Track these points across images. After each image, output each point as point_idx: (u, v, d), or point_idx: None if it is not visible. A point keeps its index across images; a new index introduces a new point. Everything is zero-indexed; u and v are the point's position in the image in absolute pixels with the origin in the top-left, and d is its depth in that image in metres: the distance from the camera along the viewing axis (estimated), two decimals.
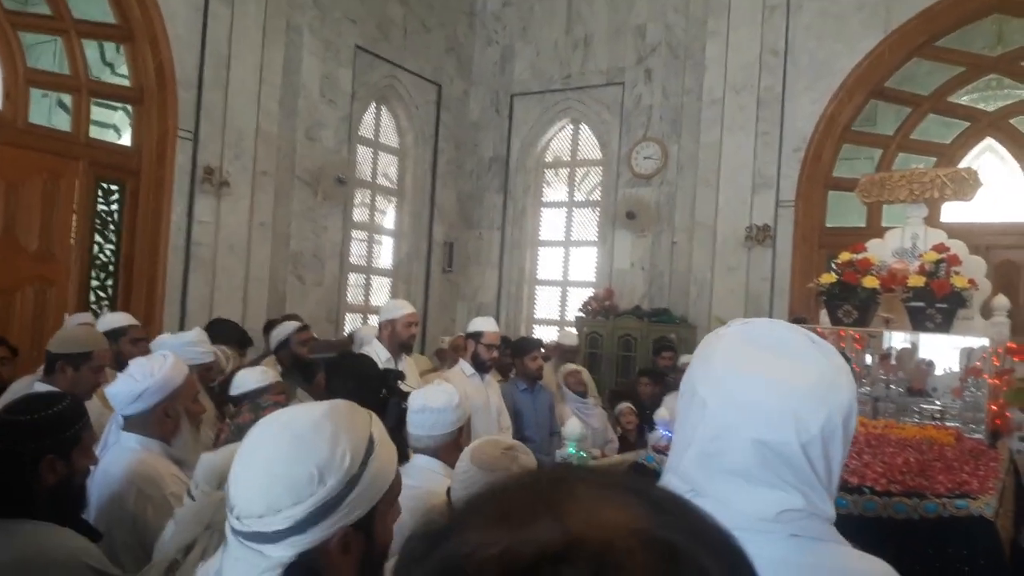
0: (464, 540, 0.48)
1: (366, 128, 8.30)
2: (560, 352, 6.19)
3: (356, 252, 8.23)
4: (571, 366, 5.79)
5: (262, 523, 1.11)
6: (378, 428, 1.25)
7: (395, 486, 1.24)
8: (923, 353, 3.99)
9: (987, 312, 4.06)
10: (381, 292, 8.63)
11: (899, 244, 4.24)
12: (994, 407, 3.55)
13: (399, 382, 3.15)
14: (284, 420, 1.20)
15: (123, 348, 3.80)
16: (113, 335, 3.89)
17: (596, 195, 8.95)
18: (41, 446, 1.85)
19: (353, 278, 8.21)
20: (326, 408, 1.22)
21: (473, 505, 0.53)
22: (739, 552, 0.51)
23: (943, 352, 3.91)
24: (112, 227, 6.14)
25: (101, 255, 6.09)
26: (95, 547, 1.89)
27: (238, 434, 1.99)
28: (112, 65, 7.10)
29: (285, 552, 1.11)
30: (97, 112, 6.42)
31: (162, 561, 1.70)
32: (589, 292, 8.43)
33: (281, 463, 1.13)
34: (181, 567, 1.60)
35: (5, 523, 1.72)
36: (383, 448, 1.22)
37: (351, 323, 7.99)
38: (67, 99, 6.21)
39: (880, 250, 4.28)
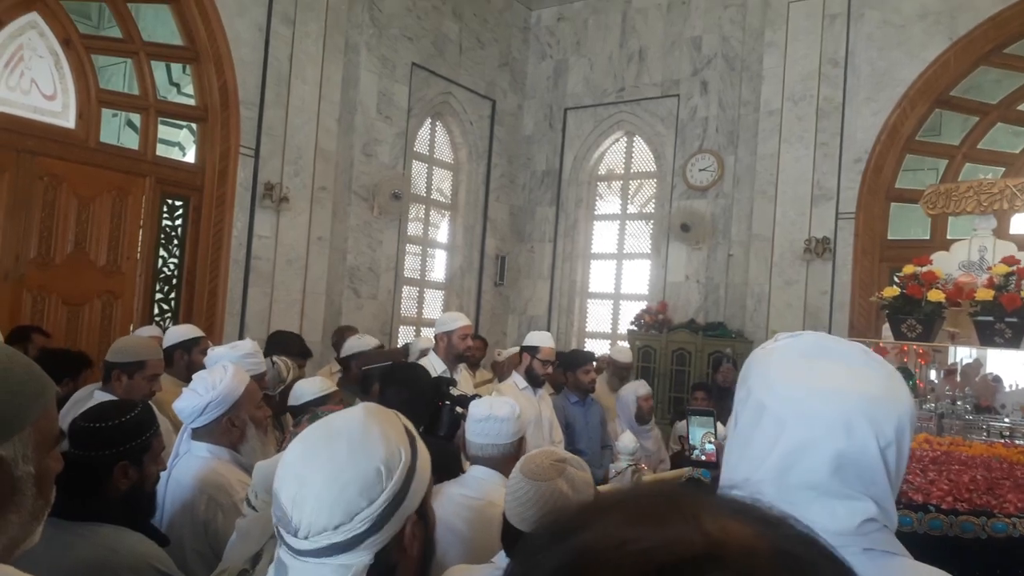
0: (601, 534, 0.49)
1: (421, 144, 8.41)
2: (614, 368, 6.14)
3: (410, 266, 8.34)
4: (643, 388, 5.52)
5: (339, 533, 1.10)
6: (407, 421, 1.29)
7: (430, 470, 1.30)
8: (991, 368, 3.86)
9: None
10: (434, 305, 8.71)
11: (966, 256, 4.12)
12: None
13: (451, 388, 3.18)
14: (329, 429, 1.21)
15: (195, 358, 3.91)
16: (186, 345, 4.02)
17: (650, 208, 8.90)
18: (116, 452, 1.92)
19: (407, 291, 8.31)
20: (363, 409, 1.25)
21: (603, 503, 0.54)
22: (851, 569, 0.52)
23: (1013, 367, 3.78)
24: (176, 242, 6.33)
25: (165, 269, 6.28)
26: (164, 552, 1.95)
27: None
28: (178, 85, 7.36)
29: (364, 556, 1.12)
30: (163, 130, 6.65)
31: (231, 570, 1.74)
32: (642, 305, 8.37)
33: (347, 469, 1.13)
34: None
35: (80, 526, 1.79)
36: (417, 435, 1.27)
37: (404, 335, 8.09)
38: (136, 118, 6.44)
39: (946, 263, 4.16)
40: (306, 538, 1.11)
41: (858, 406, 1.06)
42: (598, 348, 8.35)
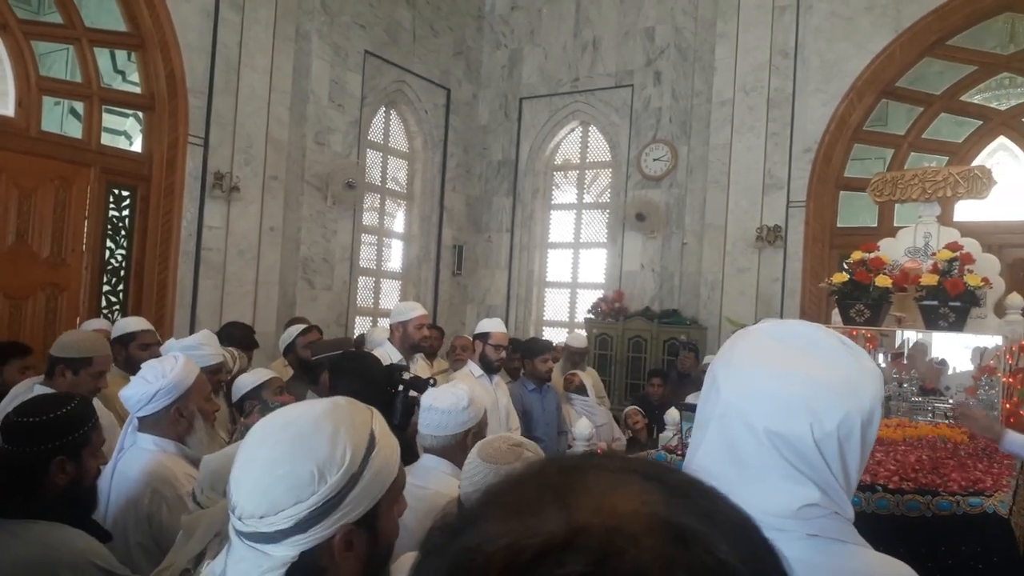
0: (476, 533, 0.48)
1: (375, 132, 8.32)
2: (568, 354, 6.17)
3: (366, 256, 8.25)
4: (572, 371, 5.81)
5: (263, 523, 1.10)
6: (380, 424, 1.24)
7: (399, 481, 1.24)
8: (936, 352, 3.96)
9: (1000, 310, 4.03)
10: (391, 295, 8.64)
11: (912, 243, 4.21)
12: (1008, 405, 3.52)
13: (404, 374, 3.14)
14: (284, 419, 1.19)
15: (132, 353, 3.81)
16: (123, 340, 3.90)
17: (605, 197, 8.95)
18: (51, 447, 1.85)
19: (363, 281, 8.22)
20: (327, 405, 1.21)
21: (486, 497, 0.53)
22: (761, 539, 0.50)
23: (956, 351, 3.88)
24: (123, 233, 6.17)
25: (112, 260, 6.12)
26: (104, 548, 1.89)
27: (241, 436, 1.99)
28: (123, 72, 7.15)
29: (288, 552, 1.11)
30: (108, 119, 6.46)
31: (174, 568, 1.69)
32: (598, 294, 8.41)
33: (282, 463, 1.12)
34: None
35: (15, 524, 1.73)
36: (385, 444, 1.22)
37: (361, 326, 8.01)
38: (79, 106, 6.25)
39: (892, 249, 4.25)
40: (240, 519, 1.13)
41: (802, 391, 1.03)
42: (556, 337, 8.37)
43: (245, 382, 3.56)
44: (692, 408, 2.95)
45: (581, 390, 5.64)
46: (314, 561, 1.13)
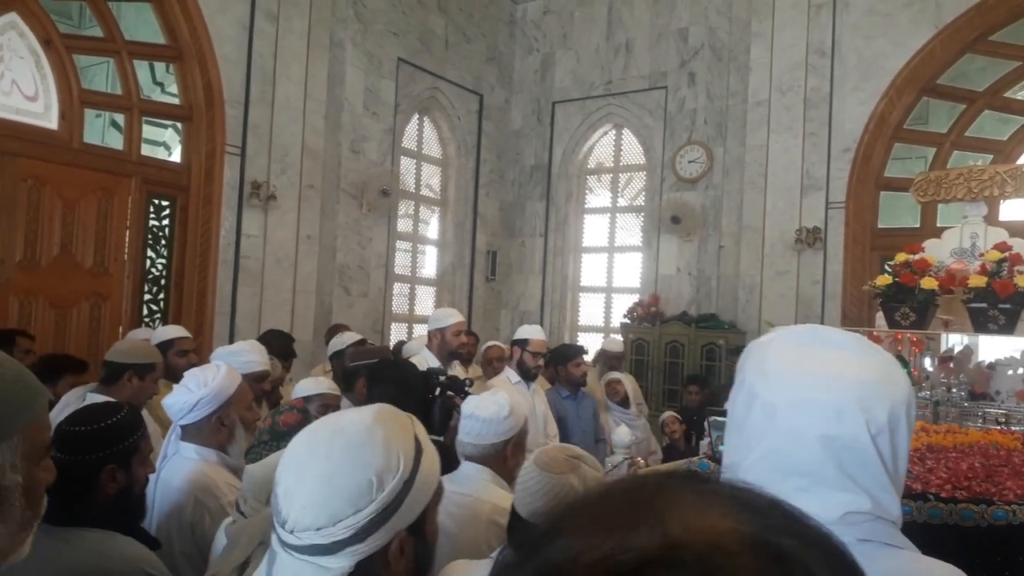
0: (563, 546, 0.47)
1: (409, 139, 8.36)
2: (605, 359, 6.13)
3: (400, 262, 8.29)
4: (613, 375, 5.71)
5: (320, 535, 1.08)
6: (420, 429, 1.25)
7: (440, 484, 1.25)
8: (985, 355, 3.85)
9: None
10: (426, 302, 8.68)
11: (958, 244, 4.12)
12: None
13: (441, 377, 3.13)
14: (334, 428, 1.18)
15: (170, 360, 3.88)
16: (161, 347, 3.98)
17: (640, 200, 8.89)
18: (102, 456, 1.88)
19: (398, 288, 8.27)
20: (373, 412, 1.21)
21: (571, 511, 0.52)
22: (852, 561, 0.49)
23: (1006, 354, 3.78)
24: (163, 242, 6.27)
25: (153, 270, 6.22)
26: (154, 555, 1.91)
27: (257, 439, 1.98)
28: (162, 84, 7.28)
29: (344, 562, 1.10)
30: (148, 130, 6.58)
31: None
32: (634, 298, 8.35)
33: (340, 473, 1.11)
34: None
35: (68, 531, 1.75)
36: (428, 448, 1.23)
37: (396, 333, 8.05)
38: (120, 118, 6.37)
39: (937, 250, 4.16)
40: (291, 532, 1.10)
41: (849, 392, 1.05)
42: (591, 342, 8.33)
43: (308, 387, 3.47)
44: (724, 414, 2.91)
45: (624, 402, 5.54)
46: (369, 569, 1.12)
